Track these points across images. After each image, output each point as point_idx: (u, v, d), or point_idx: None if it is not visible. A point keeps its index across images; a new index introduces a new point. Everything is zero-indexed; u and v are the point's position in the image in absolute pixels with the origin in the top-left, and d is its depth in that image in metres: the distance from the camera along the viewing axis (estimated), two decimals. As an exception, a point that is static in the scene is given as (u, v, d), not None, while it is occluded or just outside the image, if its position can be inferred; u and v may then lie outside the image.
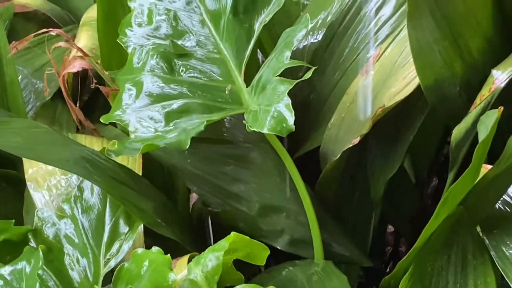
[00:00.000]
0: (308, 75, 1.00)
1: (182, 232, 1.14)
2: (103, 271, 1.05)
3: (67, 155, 1.07)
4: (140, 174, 1.16)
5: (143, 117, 1.08)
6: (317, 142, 1.18)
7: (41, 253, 1.04)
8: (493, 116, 0.87)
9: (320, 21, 1.22)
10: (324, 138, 1.16)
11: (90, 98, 1.43)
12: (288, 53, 1.03)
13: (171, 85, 1.10)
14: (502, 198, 1.00)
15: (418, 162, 1.32)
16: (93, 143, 1.21)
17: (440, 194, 1.02)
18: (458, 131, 1.04)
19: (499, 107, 0.88)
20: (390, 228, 1.46)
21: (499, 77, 1.01)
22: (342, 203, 1.22)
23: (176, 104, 1.08)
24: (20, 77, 1.43)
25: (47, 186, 1.15)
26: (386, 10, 1.16)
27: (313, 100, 1.21)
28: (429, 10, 1.01)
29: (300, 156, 1.20)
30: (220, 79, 1.11)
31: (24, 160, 1.16)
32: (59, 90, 1.29)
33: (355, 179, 1.21)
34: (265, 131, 0.99)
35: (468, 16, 1.03)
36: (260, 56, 1.30)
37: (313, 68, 1.01)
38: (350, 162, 1.17)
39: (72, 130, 1.34)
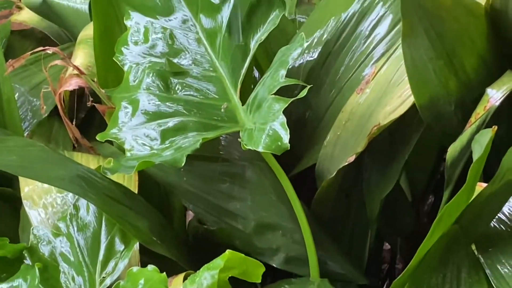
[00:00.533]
0: (303, 93, 1.00)
1: (177, 250, 1.14)
2: (99, 289, 1.05)
3: (62, 173, 1.07)
4: (136, 192, 1.16)
5: (139, 135, 1.08)
6: (313, 160, 1.18)
7: (37, 271, 1.04)
8: (487, 135, 0.88)
9: (315, 40, 1.22)
10: (320, 156, 1.16)
11: (86, 115, 1.43)
12: (283, 72, 1.04)
13: (167, 103, 1.10)
14: (497, 216, 1.00)
15: (414, 180, 1.32)
16: (90, 161, 1.21)
17: (436, 212, 1.02)
18: (453, 150, 1.04)
19: (493, 126, 0.88)
20: (387, 246, 1.46)
21: (494, 95, 1.01)
22: (338, 221, 1.22)
23: (172, 122, 1.08)
24: (17, 95, 1.43)
25: (43, 204, 1.15)
26: (381, 29, 1.16)
27: (309, 118, 1.21)
28: (424, 29, 1.01)
29: (296, 174, 1.20)
30: (216, 97, 1.11)
31: (20, 178, 1.16)
32: (56, 107, 1.30)
33: (351, 197, 1.21)
34: (260, 149, 0.99)
35: (462, 35, 1.04)
36: (256, 73, 1.30)
37: (308, 87, 1.01)
38: (345, 180, 1.17)
39: (69, 148, 1.34)
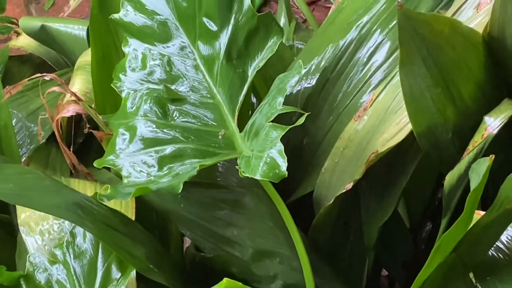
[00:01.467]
0: (301, 121, 1.00)
1: (174, 278, 1.14)
2: (95, 317, 1.05)
3: (58, 201, 1.07)
4: (133, 218, 1.15)
5: (137, 161, 1.08)
6: (311, 187, 1.18)
7: (31, 300, 1.03)
8: (485, 164, 0.88)
9: (313, 66, 1.22)
10: (318, 183, 1.16)
11: (84, 141, 1.43)
12: (281, 99, 1.03)
13: (165, 130, 1.10)
14: (495, 245, 1.00)
15: (412, 207, 1.32)
16: (87, 187, 1.21)
17: (434, 238, 1.02)
18: (451, 177, 1.04)
19: (490, 155, 0.88)
20: (385, 272, 1.45)
21: (491, 123, 1.01)
22: (335, 248, 1.21)
23: (169, 149, 1.08)
24: (14, 120, 1.43)
25: (39, 231, 1.14)
26: (379, 56, 1.16)
27: (306, 145, 1.21)
28: (421, 57, 1.01)
29: (294, 201, 1.20)
30: (214, 124, 1.11)
31: (17, 205, 1.15)
32: (53, 133, 1.29)
33: (349, 224, 1.21)
34: (257, 177, 0.99)
35: (460, 63, 1.04)
36: (254, 99, 1.30)
37: (306, 114, 1.01)
38: (343, 207, 1.17)
39: (66, 174, 1.34)
